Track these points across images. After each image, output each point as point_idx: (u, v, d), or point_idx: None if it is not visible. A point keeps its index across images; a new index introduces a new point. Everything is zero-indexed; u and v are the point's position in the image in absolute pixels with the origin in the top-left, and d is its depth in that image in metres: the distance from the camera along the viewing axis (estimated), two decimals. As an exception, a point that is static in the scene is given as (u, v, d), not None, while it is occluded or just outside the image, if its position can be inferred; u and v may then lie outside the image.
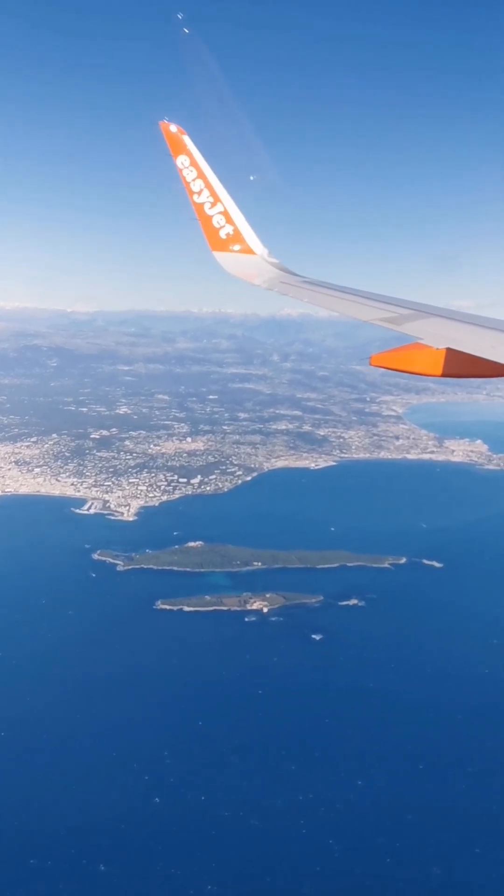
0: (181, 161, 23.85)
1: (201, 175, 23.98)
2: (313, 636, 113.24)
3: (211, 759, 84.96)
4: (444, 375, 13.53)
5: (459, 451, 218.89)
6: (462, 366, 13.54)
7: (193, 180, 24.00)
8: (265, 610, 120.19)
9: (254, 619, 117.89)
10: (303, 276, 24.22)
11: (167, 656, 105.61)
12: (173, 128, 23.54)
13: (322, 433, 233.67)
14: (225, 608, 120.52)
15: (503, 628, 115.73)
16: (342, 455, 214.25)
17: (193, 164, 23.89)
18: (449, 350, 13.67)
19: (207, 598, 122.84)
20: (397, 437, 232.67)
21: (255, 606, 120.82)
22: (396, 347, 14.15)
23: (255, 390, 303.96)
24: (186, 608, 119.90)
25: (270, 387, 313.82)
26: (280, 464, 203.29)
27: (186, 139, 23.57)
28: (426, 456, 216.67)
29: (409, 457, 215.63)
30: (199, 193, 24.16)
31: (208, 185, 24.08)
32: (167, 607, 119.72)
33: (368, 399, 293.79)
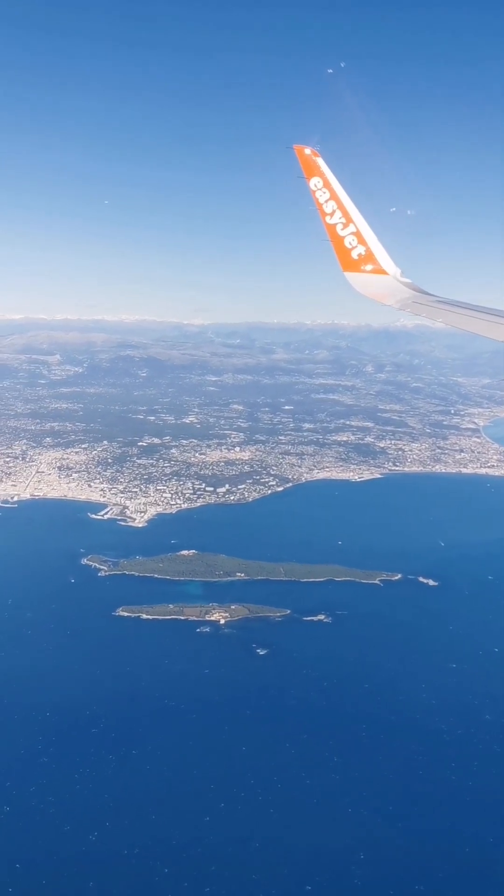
0: (314, 183, 24.45)
1: (334, 196, 24.47)
2: (258, 650, 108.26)
3: (65, 773, 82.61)
4: None
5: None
6: None
7: (326, 201, 24.55)
8: (222, 621, 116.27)
9: (207, 629, 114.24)
10: (437, 295, 24.00)
11: (91, 662, 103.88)
12: (307, 150, 24.11)
13: (382, 445, 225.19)
14: (183, 618, 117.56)
15: (464, 652, 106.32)
16: (393, 468, 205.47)
17: (326, 185, 24.41)
18: None
19: (171, 606, 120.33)
20: (461, 451, 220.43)
21: (213, 617, 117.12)
22: None
23: (336, 401, 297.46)
24: (145, 616, 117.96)
25: (354, 398, 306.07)
26: (321, 475, 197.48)
27: (320, 161, 24.17)
28: (483, 470, 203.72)
29: (465, 471, 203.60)
30: (332, 214, 24.69)
31: (341, 206, 24.54)
32: (125, 614, 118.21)
33: (453, 411, 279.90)
